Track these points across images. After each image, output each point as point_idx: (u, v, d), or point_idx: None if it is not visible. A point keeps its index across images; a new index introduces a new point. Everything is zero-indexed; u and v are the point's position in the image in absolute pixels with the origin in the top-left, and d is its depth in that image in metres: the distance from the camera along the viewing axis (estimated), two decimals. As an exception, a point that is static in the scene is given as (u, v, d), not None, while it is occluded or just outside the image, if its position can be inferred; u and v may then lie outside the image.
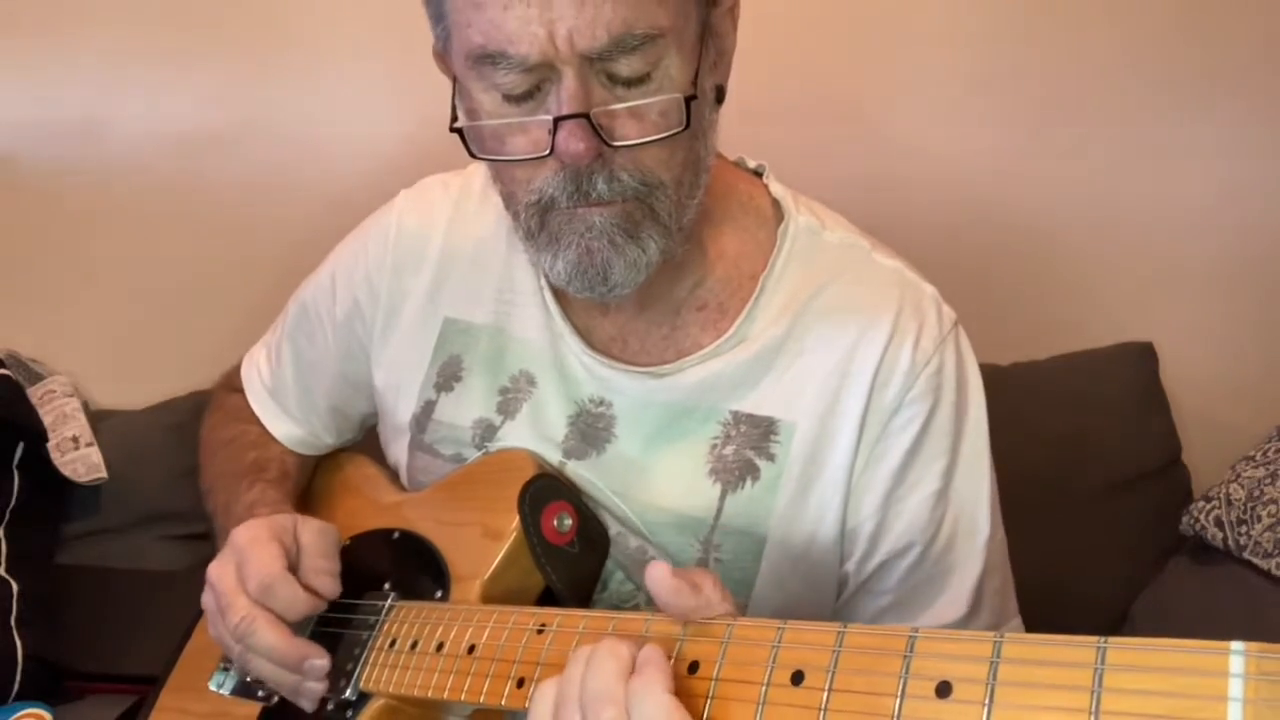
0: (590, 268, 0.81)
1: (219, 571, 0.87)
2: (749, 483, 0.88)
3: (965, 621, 0.90)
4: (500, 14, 0.73)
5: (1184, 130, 1.78)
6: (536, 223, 0.82)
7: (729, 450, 0.89)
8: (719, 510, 0.88)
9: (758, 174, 0.98)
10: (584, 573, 0.90)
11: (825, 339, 0.89)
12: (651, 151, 0.78)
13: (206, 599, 0.89)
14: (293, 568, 0.87)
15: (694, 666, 0.60)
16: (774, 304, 0.90)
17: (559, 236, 0.81)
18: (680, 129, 0.76)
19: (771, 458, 0.88)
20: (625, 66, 0.74)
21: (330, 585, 0.88)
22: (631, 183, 0.78)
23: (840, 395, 0.88)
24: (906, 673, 0.50)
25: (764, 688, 0.55)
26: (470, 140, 0.81)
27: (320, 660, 0.84)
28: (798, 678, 0.54)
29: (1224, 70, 1.76)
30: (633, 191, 0.79)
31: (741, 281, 0.92)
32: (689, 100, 0.76)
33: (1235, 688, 0.42)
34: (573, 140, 0.74)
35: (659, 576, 0.63)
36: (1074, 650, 0.45)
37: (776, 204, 0.95)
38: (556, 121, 0.75)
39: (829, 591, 0.92)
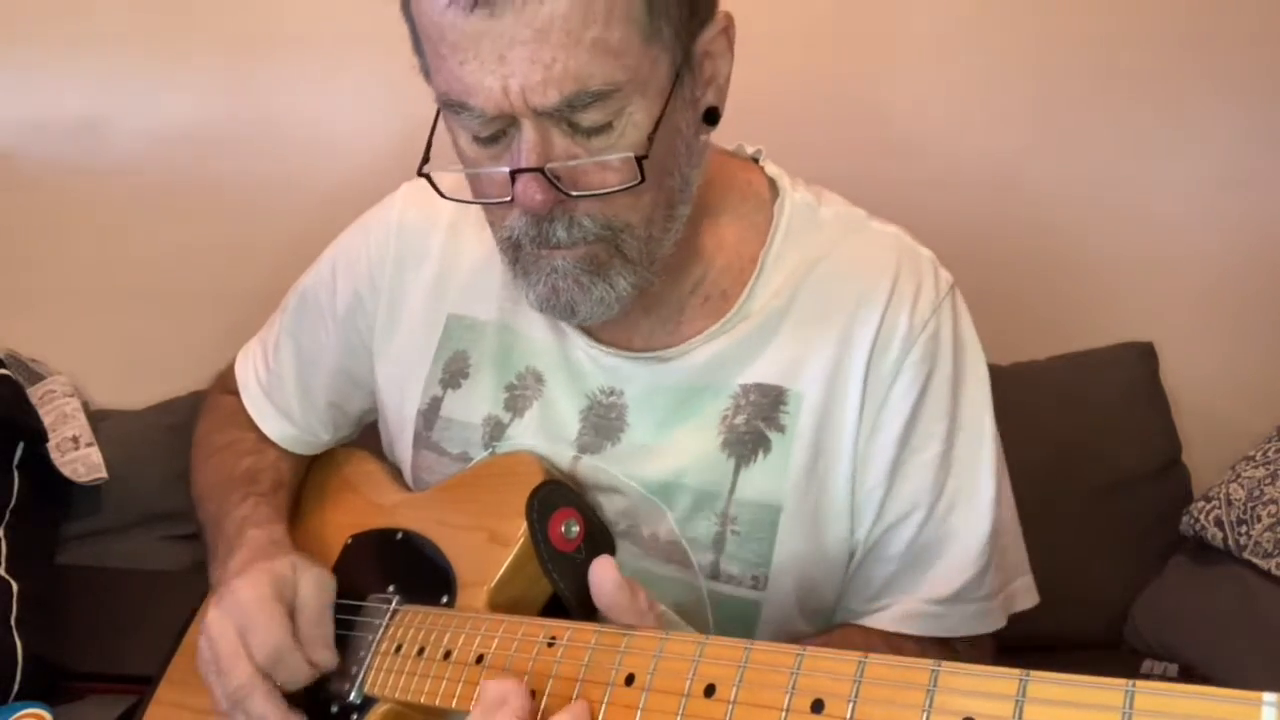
0: (557, 304, 0.83)
1: (219, 630, 0.85)
2: (761, 455, 0.89)
3: (975, 582, 0.90)
4: (459, 68, 0.74)
5: (1184, 131, 1.79)
6: (510, 257, 0.84)
7: (740, 420, 0.89)
8: (733, 484, 0.89)
9: (755, 160, 0.98)
10: None
11: (826, 306, 0.90)
12: (615, 197, 0.78)
13: (203, 649, 0.86)
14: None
15: (710, 689, 0.59)
16: (774, 280, 0.91)
17: (529, 272, 0.83)
18: (637, 182, 0.76)
19: (781, 429, 0.89)
20: (585, 119, 0.75)
21: (329, 658, 0.86)
22: (594, 227, 0.79)
23: (843, 361, 0.88)
24: (930, 707, 0.49)
25: (784, 713, 0.55)
26: (439, 181, 0.83)
27: None
28: (818, 706, 0.53)
29: (1223, 71, 1.76)
30: (595, 235, 0.79)
31: (743, 265, 0.92)
32: (640, 160, 0.76)
33: None
34: (528, 192, 0.76)
35: (607, 572, 0.68)
36: (1101, 693, 0.44)
37: (772, 184, 0.95)
38: (513, 174, 0.76)
39: (842, 561, 0.92)
